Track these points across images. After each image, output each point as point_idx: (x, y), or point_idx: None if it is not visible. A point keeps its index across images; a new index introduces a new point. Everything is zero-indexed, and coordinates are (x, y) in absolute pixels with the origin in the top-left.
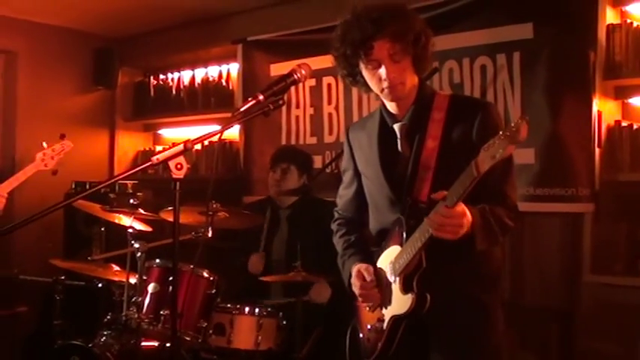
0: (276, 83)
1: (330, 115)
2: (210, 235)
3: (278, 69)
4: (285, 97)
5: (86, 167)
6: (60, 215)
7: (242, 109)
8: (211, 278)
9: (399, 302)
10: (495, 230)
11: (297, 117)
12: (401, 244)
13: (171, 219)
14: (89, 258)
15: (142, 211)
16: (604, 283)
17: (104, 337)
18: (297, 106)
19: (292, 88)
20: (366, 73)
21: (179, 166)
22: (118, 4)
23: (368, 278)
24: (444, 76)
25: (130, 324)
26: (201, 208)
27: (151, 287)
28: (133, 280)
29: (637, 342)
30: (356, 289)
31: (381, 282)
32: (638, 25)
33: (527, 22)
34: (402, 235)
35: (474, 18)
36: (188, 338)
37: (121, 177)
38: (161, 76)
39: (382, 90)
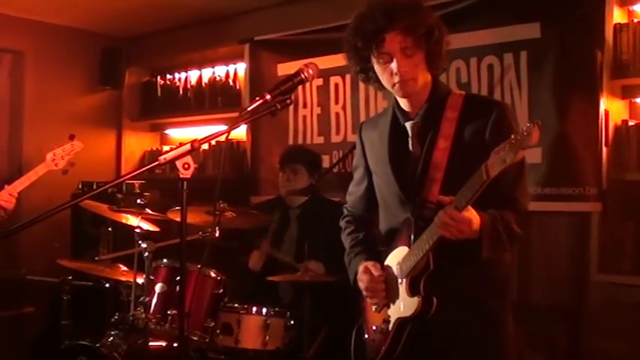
0: (284, 83)
1: (337, 114)
2: (217, 234)
3: (285, 69)
4: (293, 97)
5: (93, 167)
6: (67, 215)
7: (249, 109)
8: (218, 278)
9: (406, 304)
10: (503, 240)
11: (305, 117)
12: (409, 245)
13: (178, 219)
14: (96, 258)
15: (149, 211)
16: (611, 282)
17: (112, 337)
18: (305, 106)
19: (299, 88)
20: (377, 68)
21: (186, 165)
22: (125, 3)
23: (376, 273)
24: (452, 75)
25: (137, 324)
26: (209, 208)
27: (158, 287)
28: (140, 280)
29: None
30: (362, 284)
31: (388, 281)
32: None
33: (535, 22)
34: (410, 236)
35: (481, 17)
36: (195, 338)
37: (128, 177)
38: (168, 76)
39: (393, 85)
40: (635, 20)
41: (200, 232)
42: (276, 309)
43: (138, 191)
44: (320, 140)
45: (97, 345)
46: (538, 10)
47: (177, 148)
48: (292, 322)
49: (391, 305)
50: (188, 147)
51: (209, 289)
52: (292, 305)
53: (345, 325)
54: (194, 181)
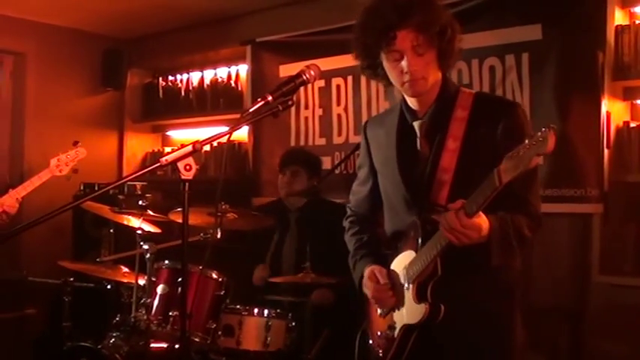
0: (285, 84)
1: (339, 116)
2: (219, 236)
3: (287, 70)
4: (294, 98)
5: (95, 168)
6: (69, 217)
7: (251, 110)
8: (220, 279)
9: (412, 311)
10: (513, 245)
11: (306, 118)
12: (416, 250)
13: (180, 220)
14: (98, 259)
15: (150, 212)
16: (613, 284)
17: (113, 339)
18: (306, 107)
19: (301, 89)
20: (387, 65)
21: (188, 167)
22: (127, 5)
23: (382, 281)
24: (453, 76)
25: (138, 325)
26: (210, 210)
27: (159, 288)
28: (141, 282)
29: None
30: (368, 290)
31: (394, 286)
32: None
33: (536, 23)
34: (418, 240)
35: (483, 19)
36: (197, 339)
37: (129, 178)
38: (170, 78)
39: (403, 84)
40: (637, 22)
41: (202, 234)
42: (278, 310)
43: (139, 193)
44: (322, 142)
45: (99, 346)
46: (539, 11)
47: (179, 149)
48: (294, 323)
49: (397, 311)
50: (190, 148)
51: (210, 290)
52: (294, 307)
53: (347, 327)
54: (196, 183)
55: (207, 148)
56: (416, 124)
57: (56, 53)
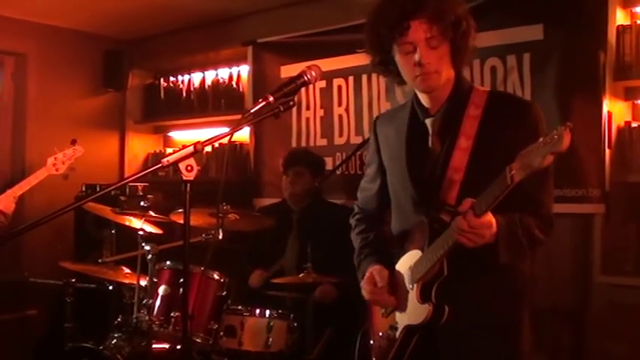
0: (287, 85)
1: (340, 116)
2: (220, 237)
3: (288, 71)
4: (296, 99)
5: (96, 170)
6: (70, 218)
7: (252, 111)
8: (222, 280)
9: (415, 311)
10: (523, 244)
11: (308, 119)
12: (422, 249)
13: (181, 221)
14: (100, 260)
15: (152, 213)
16: (614, 284)
17: (115, 340)
18: (308, 108)
19: (302, 90)
20: (399, 59)
21: (189, 168)
22: (128, 6)
23: (380, 284)
24: None
25: (140, 326)
26: (212, 210)
27: (161, 289)
28: (143, 283)
29: None
30: (366, 294)
31: (397, 286)
32: None
33: (538, 24)
34: (425, 239)
35: (484, 19)
36: (199, 340)
37: (131, 179)
38: (171, 78)
39: (415, 78)
40: (638, 22)
41: (203, 235)
42: (280, 311)
43: (141, 193)
44: (323, 142)
45: (100, 347)
46: (541, 11)
47: (181, 150)
48: (295, 324)
49: (400, 311)
50: (191, 149)
51: (212, 291)
52: (295, 305)
53: (350, 326)
54: (197, 184)
55: (208, 149)
56: (428, 122)
57: (57, 54)
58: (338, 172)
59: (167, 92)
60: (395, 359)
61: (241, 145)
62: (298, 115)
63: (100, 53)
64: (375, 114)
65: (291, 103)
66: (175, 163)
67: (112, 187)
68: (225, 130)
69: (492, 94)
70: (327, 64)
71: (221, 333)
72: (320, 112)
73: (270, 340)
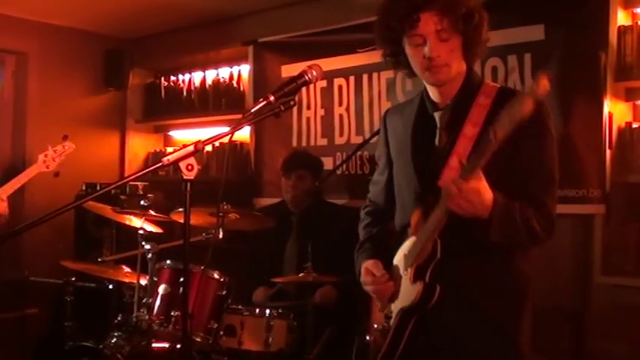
0: (287, 84)
1: (340, 116)
2: (220, 236)
3: (289, 70)
4: (296, 99)
5: (97, 168)
6: (71, 217)
7: (253, 110)
8: (222, 279)
9: (407, 293)
10: (518, 228)
11: (308, 118)
12: (415, 234)
13: (181, 220)
14: (100, 259)
15: (152, 212)
16: (615, 284)
17: (115, 339)
18: (308, 108)
19: (303, 90)
20: (409, 51)
21: (190, 167)
22: (129, 5)
23: (378, 273)
24: None
25: (140, 325)
26: (212, 210)
27: (161, 289)
28: (143, 282)
29: None
30: (367, 286)
31: (394, 279)
32: None
33: (539, 24)
34: (418, 225)
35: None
36: (199, 339)
37: (131, 178)
38: (172, 78)
39: (424, 70)
40: (639, 22)
41: (203, 234)
42: (280, 310)
43: (141, 192)
44: (323, 142)
45: (100, 346)
46: (542, 12)
47: (181, 149)
48: (295, 323)
49: (394, 300)
50: (192, 148)
51: (212, 290)
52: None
53: (350, 326)
54: (197, 183)
55: (209, 148)
56: (437, 115)
57: (58, 53)
58: (338, 172)
59: (168, 91)
60: (391, 346)
61: (242, 144)
62: (299, 114)
63: (101, 52)
64: (376, 114)
65: (292, 102)
66: (176, 162)
67: (113, 186)
68: (226, 129)
69: (503, 88)
70: (328, 63)
71: (221, 332)
72: (321, 112)
73: (270, 339)
